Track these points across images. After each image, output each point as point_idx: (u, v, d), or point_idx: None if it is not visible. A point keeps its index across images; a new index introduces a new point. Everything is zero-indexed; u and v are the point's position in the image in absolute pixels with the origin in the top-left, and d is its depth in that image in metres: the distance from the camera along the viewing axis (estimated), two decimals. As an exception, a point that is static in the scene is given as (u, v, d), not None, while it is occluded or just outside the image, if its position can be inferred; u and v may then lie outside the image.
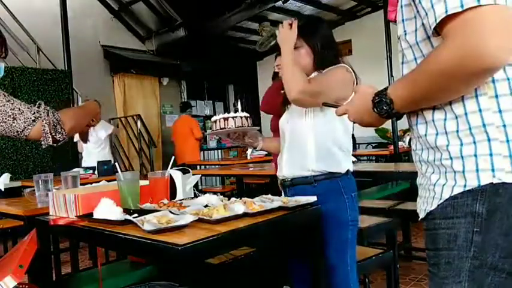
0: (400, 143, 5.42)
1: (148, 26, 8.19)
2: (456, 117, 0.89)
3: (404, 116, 1.02)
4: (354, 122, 1.11)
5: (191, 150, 6.52)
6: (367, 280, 2.39)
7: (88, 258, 4.17)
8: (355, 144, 6.07)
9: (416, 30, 0.93)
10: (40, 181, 2.07)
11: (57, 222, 1.50)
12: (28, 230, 1.80)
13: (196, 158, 6.42)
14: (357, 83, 1.70)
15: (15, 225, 3.32)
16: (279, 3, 6.49)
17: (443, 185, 0.92)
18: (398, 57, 1.03)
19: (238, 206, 1.39)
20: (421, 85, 0.87)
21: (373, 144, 7.30)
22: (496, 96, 0.86)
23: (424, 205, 0.98)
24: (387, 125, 3.31)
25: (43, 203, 2.00)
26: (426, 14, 0.84)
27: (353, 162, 1.84)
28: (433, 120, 0.93)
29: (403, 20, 0.95)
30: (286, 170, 1.80)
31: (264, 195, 1.65)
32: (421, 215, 0.99)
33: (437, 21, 0.81)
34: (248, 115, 1.81)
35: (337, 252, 1.71)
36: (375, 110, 0.99)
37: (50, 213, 1.68)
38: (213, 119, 1.85)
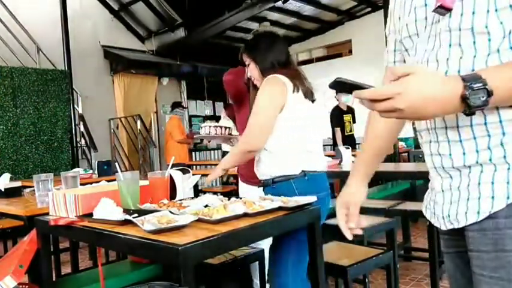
0: (400, 143, 5.43)
1: (148, 26, 8.19)
2: None
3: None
4: (395, 116, 0.77)
5: (177, 151, 5.89)
6: (367, 280, 2.39)
7: (88, 258, 4.17)
8: (355, 144, 6.07)
9: None
10: (40, 181, 2.07)
11: (57, 222, 1.50)
12: (28, 230, 1.81)
13: (182, 159, 5.73)
14: (295, 87, 1.72)
15: (15, 225, 3.32)
16: (279, 3, 6.50)
17: (508, 182, 0.84)
18: (464, 52, 0.84)
19: (238, 206, 1.39)
20: None
21: (373, 144, 7.29)
22: None
23: (474, 207, 0.88)
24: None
25: (43, 203, 2.01)
26: None
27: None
28: (500, 122, 0.83)
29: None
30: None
31: (264, 195, 1.65)
32: (473, 218, 0.88)
33: None
34: (230, 126, 2.30)
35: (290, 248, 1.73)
36: (469, 99, 0.74)
37: (50, 213, 1.67)
38: (202, 125, 2.31)
